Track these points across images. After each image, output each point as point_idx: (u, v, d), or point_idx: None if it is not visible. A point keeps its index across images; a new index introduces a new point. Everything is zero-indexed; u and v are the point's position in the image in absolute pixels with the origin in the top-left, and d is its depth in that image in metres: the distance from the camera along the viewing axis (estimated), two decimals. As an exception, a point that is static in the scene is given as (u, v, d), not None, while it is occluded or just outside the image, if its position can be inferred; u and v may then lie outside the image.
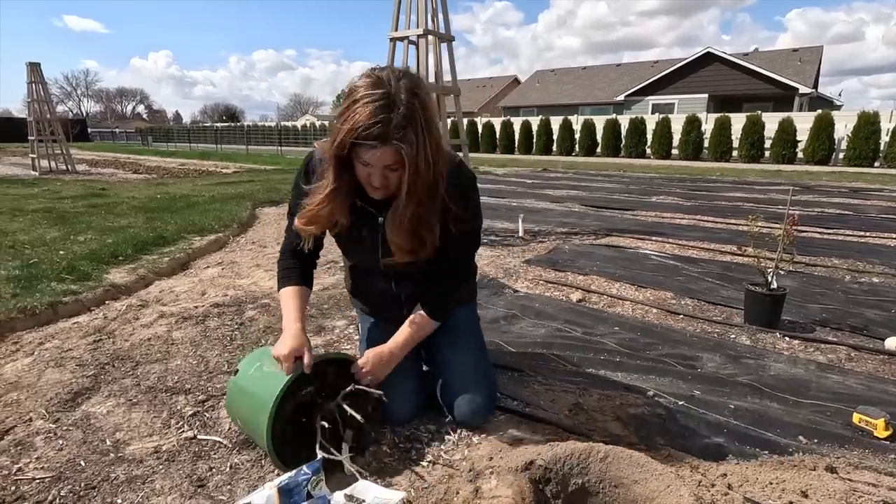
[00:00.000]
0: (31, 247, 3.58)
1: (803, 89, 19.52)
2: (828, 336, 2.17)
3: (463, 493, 1.18)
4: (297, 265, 1.46)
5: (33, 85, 10.63)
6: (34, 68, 10.50)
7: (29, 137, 11.11)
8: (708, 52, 21.80)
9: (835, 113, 13.46)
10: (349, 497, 1.06)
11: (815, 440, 1.43)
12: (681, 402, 1.62)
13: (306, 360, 1.23)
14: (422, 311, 1.41)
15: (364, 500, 1.05)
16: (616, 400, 1.64)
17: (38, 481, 1.25)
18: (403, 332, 1.40)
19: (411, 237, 1.26)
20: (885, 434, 1.42)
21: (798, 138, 13.37)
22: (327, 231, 1.39)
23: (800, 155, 13.54)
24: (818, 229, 4.57)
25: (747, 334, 2.20)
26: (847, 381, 1.77)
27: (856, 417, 1.50)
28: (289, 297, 1.40)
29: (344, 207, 1.28)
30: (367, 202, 1.32)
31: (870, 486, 1.22)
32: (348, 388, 1.28)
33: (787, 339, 2.14)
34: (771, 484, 1.22)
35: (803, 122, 13.38)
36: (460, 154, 1.41)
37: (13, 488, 1.23)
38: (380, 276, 1.49)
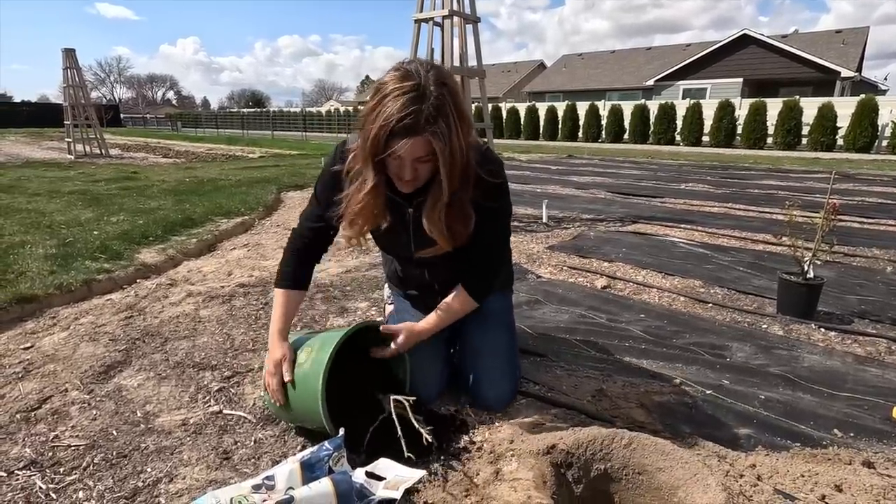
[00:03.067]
0: (67, 227, 3.71)
1: (846, 73, 18.58)
2: (867, 328, 2.08)
3: (483, 475, 1.17)
4: (295, 265, 1.45)
5: (68, 71, 10.94)
6: (69, 54, 10.79)
7: (65, 122, 11.47)
8: (744, 35, 20.92)
9: (879, 98, 12.79)
10: (370, 474, 1.06)
11: (852, 434, 1.37)
12: (708, 392, 1.58)
13: (286, 376, 1.26)
14: (459, 293, 1.40)
15: (385, 478, 1.06)
16: (641, 387, 1.60)
17: (73, 448, 1.30)
18: (438, 312, 1.40)
19: (448, 226, 1.25)
20: (928, 430, 1.36)
21: (838, 125, 12.77)
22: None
23: (839, 142, 12.95)
24: (858, 219, 4.37)
25: (780, 324, 2.12)
26: (887, 374, 1.69)
27: (895, 412, 1.43)
28: (278, 298, 1.43)
29: (384, 203, 1.28)
30: (396, 194, 1.31)
31: (910, 483, 1.17)
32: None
33: (822, 330, 2.06)
34: (803, 476, 1.18)
35: (844, 108, 12.75)
36: (485, 139, 1.39)
37: (50, 454, 1.28)
38: (413, 265, 1.50)
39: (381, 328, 1.34)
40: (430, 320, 1.39)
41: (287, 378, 1.26)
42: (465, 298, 1.40)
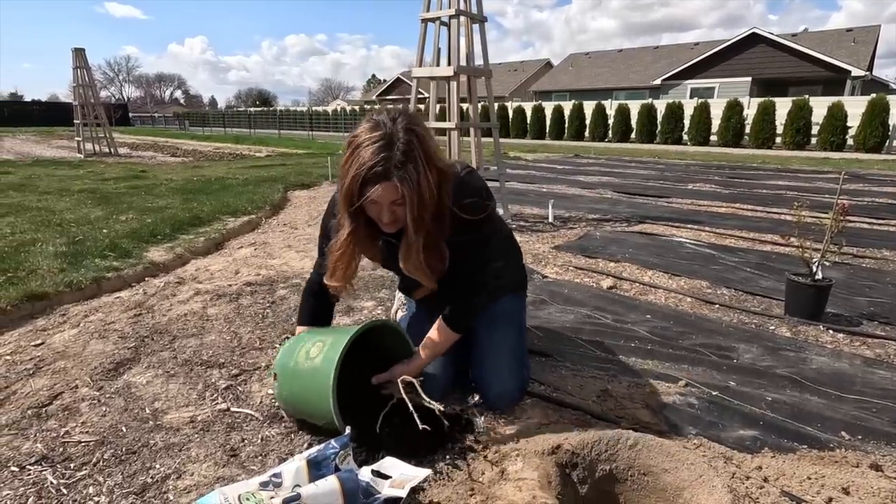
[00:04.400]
0: (76, 225, 3.75)
1: (856, 72, 18.38)
2: (876, 330, 2.06)
3: (488, 475, 1.18)
4: (315, 307, 1.56)
5: (78, 70, 11.04)
6: (79, 53, 10.89)
7: (74, 121, 11.57)
8: (753, 33, 20.73)
9: (890, 97, 12.62)
10: (376, 472, 1.07)
11: (860, 437, 1.36)
12: (714, 393, 1.58)
13: None
14: (440, 326, 1.43)
15: (390, 476, 1.06)
16: (646, 388, 1.60)
17: (83, 444, 1.32)
18: (424, 350, 1.43)
19: (423, 266, 1.30)
20: (937, 433, 1.35)
21: (848, 124, 12.63)
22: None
23: (850, 142, 12.81)
24: (868, 219, 4.33)
25: (787, 326, 2.11)
26: (895, 377, 1.68)
27: (905, 415, 1.42)
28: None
29: (368, 246, 1.36)
30: (386, 236, 1.36)
31: (918, 487, 1.16)
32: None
33: (830, 332, 2.05)
34: (809, 479, 1.17)
35: (855, 107, 12.61)
36: (467, 169, 1.40)
37: (61, 450, 1.29)
38: (417, 284, 1.50)
39: (373, 379, 1.38)
40: (415, 361, 1.42)
41: None
42: (445, 331, 1.43)
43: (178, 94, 75.95)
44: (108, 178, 6.89)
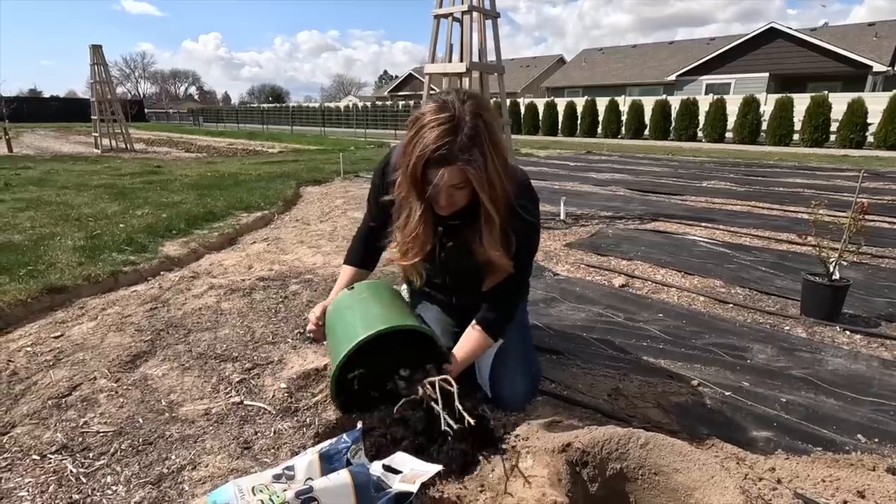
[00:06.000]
0: (94, 219, 3.82)
1: (878, 67, 17.95)
2: (894, 332, 2.02)
3: (498, 471, 1.18)
4: (362, 247, 1.59)
5: (96, 66, 11.20)
6: (96, 50, 11.05)
7: (92, 117, 11.76)
8: (771, 28, 20.34)
9: (913, 93, 12.32)
10: (387, 467, 1.08)
11: (876, 440, 1.34)
12: (727, 393, 1.56)
13: (311, 325, 1.46)
14: (476, 332, 1.39)
15: (401, 471, 1.07)
16: (658, 387, 1.59)
17: (101, 434, 1.35)
18: (461, 355, 1.37)
19: (500, 248, 1.28)
20: (957, 438, 1.32)
21: (869, 121, 12.35)
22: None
23: (870, 139, 12.53)
24: (888, 219, 4.24)
25: (803, 326, 2.08)
26: (915, 379, 1.65)
27: (923, 418, 1.40)
28: (341, 274, 1.60)
29: (433, 230, 1.34)
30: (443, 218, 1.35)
31: (936, 491, 1.14)
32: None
33: (847, 333, 2.01)
34: (824, 481, 1.16)
35: (876, 104, 12.32)
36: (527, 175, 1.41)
37: (80, 439, 1.33)
38: (432, 270, 1.51)
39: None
40: (451, 366, 1.34)
41: (309, 327, 1.49)
42: (483, 336, 1.38)
43: (193, 90, 76.75)
44: (124, 173, 7.00)
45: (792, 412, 1.47)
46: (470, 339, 1.39)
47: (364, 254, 1.59)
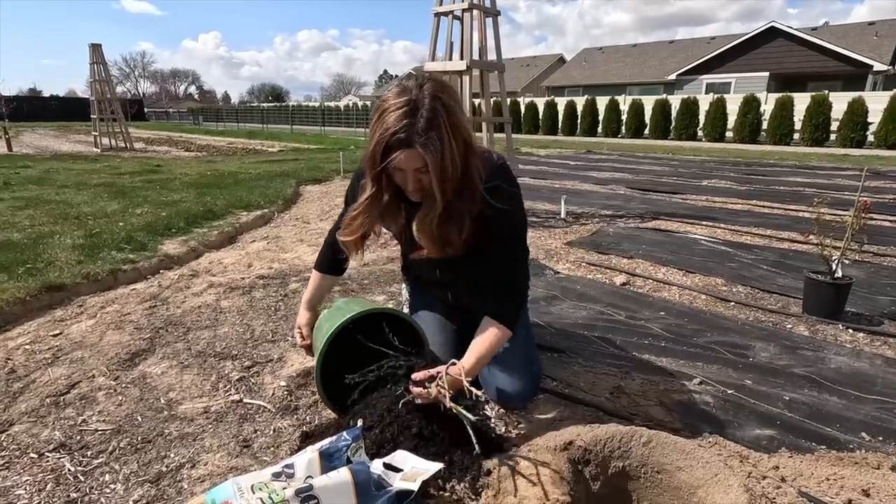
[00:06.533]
0: (93, 218, 3.81)
1: (878, 66, 17.94)
2: (897, 330, 2.02)
3: (500, 470, 1.17)
4: (331, 253, 1.54)
5: (95, 65, 11.19)
6: (96, 49, 11.03)
7: (91, 116, 11.75)
8: (771, 27, 20.32)
9: (914, 92, 12.31)
10: (388, 465, 1.07)
11: (880, 438, 1.33)
12: (730, 391, 1.55)
13: (298, 340, 1.48)
14: (488, 326, 1.32)
15: (402, 469, 1.06)
16: (660, 385, 1.58)
17: (100, 432, 1.34)
18: (476, 356, 1.28)
19: (440, 235, 1.28)
20: (962, 436, 1.31)
21: (869, 120, 12.34)
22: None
23: (870, 138, 12.52)
24: (890, 217, 4.23)
25: (806, 325, 2.07)
26: (918, 378, 1.64)
27: (928, 416, 1.39)
28: (312, 277, 1.58)
29: (391, 215, 1.33)
30: (406, 201, 1.34)
31: (942, 490, 1.13)
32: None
33: (850, 331, 2.00)
34: (828, 479, 1.15)
35: (876, 103, 12.31)
36: (505, 156, 1.40)
37: (78, 437, 1.32)
38: (425, 263, 1.50)
39: (413, 376, 1.23)
40: (466, 364, 1.25)
41: (300, 342, 1.49)
42: (498, 329, 1.31)
43: (193, 89, 76.68)
44: (124, 172, 6.98)
45: (795, 410, 1.46)
46: (481, 335, 1.31)
47: (330, 257, 1.55)
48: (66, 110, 36.77)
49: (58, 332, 1.97)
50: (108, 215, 3.91)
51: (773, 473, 1.17)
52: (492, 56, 3.89)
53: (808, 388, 1.58)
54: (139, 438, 1.31)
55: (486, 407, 1.45)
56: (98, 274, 2.50)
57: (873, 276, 2.68)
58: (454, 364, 1.20)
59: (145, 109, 42.77)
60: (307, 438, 1.31)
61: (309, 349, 1.47)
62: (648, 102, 16.52)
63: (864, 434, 1.35)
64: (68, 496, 1.12)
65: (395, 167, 1.18)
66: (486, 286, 1.38)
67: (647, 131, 16.57)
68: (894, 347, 1.88)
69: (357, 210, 1.30)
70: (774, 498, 1.08)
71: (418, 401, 1.20)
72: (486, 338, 1.29)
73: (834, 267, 2.08)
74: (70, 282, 2.38)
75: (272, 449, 1.28)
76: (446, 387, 1.15)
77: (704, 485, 1.10)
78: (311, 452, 1.05)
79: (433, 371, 1.19)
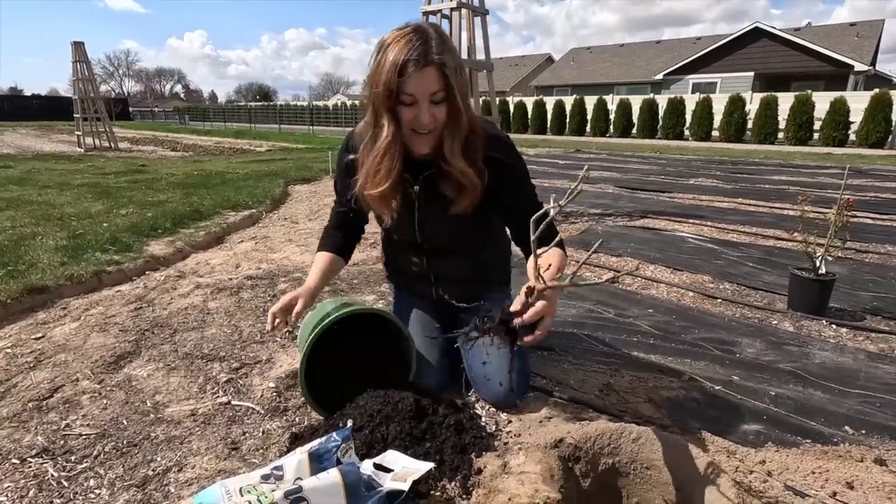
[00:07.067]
0: (77, 219, 3.74)
1: (859, 66, 18.29)
2: (879, 325, 2.05)
3: (491, 468, 1.17)
4: (338, 235, 1.54)
5: (78, 64, 11.00)
6: (78, 47, 10.84)
7: (74, 115, 11.55)
8: (756, 28, 20.63)
9: (894, 92, 12.56)
10: (378, 465, 1.06)
11: (864, 431, 1.36)
12: (717, 387, 1.57)
13: (298, 307, 1.33)
14: (548, 250, 1.23)
15: (393, 469, 1.06)
16: (649, 382, 1.59)
17: (84, 437, 1.31)
18: (552, 262, 1.21)
19: (467, 165, 1.24)
20: (942, 428, 1.34)
21: (851, 119, 12.59)
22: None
23: (852, 137, 12.76)
24: (871, 214, 4.31)
25: (791, 321, 2.10)
26: (900, 371, 1.67)
27: (909, 409, 1.41)
28: (316, 261, 1.49)
29: (401, 156, 1.24)
30: (406, 169, 1.31)
31: (923, 481, 1.15)
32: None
33: (834, 326, 2.04)
34: (813, 473, 1.17)
35: (858, 102, 12.55)
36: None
37: (62, 442, 1.29)
38: (413, 252, 1.51)
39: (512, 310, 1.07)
40: (549, 272, 1.10)
41: (286, 318, 1.34)
42: (558, 251, 1.25)
43: (178, 88, 75.76)
44: (108, 172, 6.87)
45: (781, 405, 1.48)
46: (548, 253, 1.21)
47: (340, 241, 1.52)
48: (49, 109, 36.11)
49: (40, 335, 1.93)
50: (92, 216, 3.85)
51: (760, 468, 1.18)
52: (480, 55, 3.89)
53: (794, 383, 1.60)
54: (125, 442, 1.29)
55: (477, 406, 1.45)
56: (82, 276, 2.46)
57: (856, 273, 2.73)
58: (536, 260, 1.05)
59: (130, 108, 42.18)
60: (296, 440, 1.30)
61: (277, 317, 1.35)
62: (636, 102, 16.67)
63: (847, 428, 1.37)
64: (51, 502, 1.09)
65: (410, 94, 1.11)
66: (521, 228, 1.32)
67: (634, 130, 16.72)
68: (876, 342, 1.91)
69: (383, 151, 1.19)
70: (762, 492, 1.10)
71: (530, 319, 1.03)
72: (555, 255, 1.23)
73: (818, 264, 2.11)
74: (53, 284, 2.34)
75: (261, 451, 1.27)
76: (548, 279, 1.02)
77: (693, 480, 1.11)
78: (301, 454, 1.04)
79: (525, 289, 1.05)
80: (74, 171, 6.93)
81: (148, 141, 14.84)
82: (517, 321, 1.03)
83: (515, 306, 1.05)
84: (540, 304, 1.03)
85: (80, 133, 11.54)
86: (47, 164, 8.13)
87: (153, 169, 7.32)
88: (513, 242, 1.51)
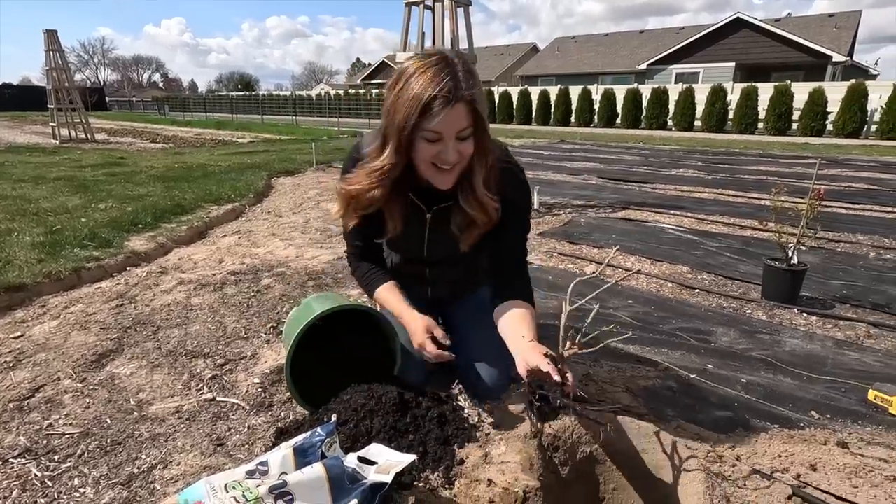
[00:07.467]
0: (53, 214, 3.67)
1: (837, 57, 18.61)
2: (847, 313, 2.13)
3: (472, 458, 1.20)
4: (375, 267, 1.43)
5: (51, 53, 10.66)
6: (51, 35, 10.50)
7: (48, 106, 11.22)
8: (737, 18, 20.83)
9: (869, 83, 12.85)
10: (362, 459, 1.09)
11: (828, 415, 1.42)
12: (692, 376, 1.62)
13: (436, 332, 1.25)
14: (515, 309, 1.27)
15: (376, 462, 1.08)
16: (627, 372, 1.64)
17: (67, 436, 1.31)
18: (532, 331, 1.25)
19: (484, 205, 1.19)
20: (901, 411, 1.41)
21: (829, 110, 12.85)
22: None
23: (829, 127, 13.03)
24: (844, 204, 4.43)
25: (764, 310, 2.17)
26: (864, 357, 1.75)
27: (871, 394, 1.48)
28: (388, 294, 1.37)
29: (395, 203, 1.22)
30: (418, 196, 1.28)
31: (881, 462, 1.21)
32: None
33: (804, 315, 2.11)
34: (780, 456, 1.22)
35: (835, 93, 12.81)
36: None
37: (44, 442, 1.29)
38: (416, 264, 1.48)
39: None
40: (529, 340, 1.20)
41: (444, 341, 1.25)
42: (530, 310, 1.26)
43: (157, 77, 73.93)
44: (85, 165, 6.72)
45: (752, 392, 1.54)
46: (523, 317, 1.25)
47: (383, 268, 1.43)
48: (21, 99, 35.02)
49: (19, 333, 1.90)
50: (70, 211, 3.77)
51: (730, 453, 1.23)
52: (464, 45, 3.88)
53: (765, 371, 1.66)
54: (109, 441, 1.29)
55: (460, 398, 1.48)
56: (60, 273, 2.43)
57: (827, 262, 2.81)
58: (533, 342, 1.16)
59: (107, 98, 41.08)
60: (282, 435, 1.31)
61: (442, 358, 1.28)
62: (620, 92, 16.77)
63: (813, 412, 1.43)
64: (35, 502, 1.10)
65: (436, 132, 1.04)
66: (501, 267, 1.33)
67: (618, 121, 16.84)
68: (844, 329, 1.99)
69: (369, 180, 1.15)
70: (730, 475, 1.15)
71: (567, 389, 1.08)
72: (528, 318, 1.25)
73: (790, 254, 2.18)
74: (31, 281, 2.30)
75: (247, 446, 1.28)
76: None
77: (666, 466, 1.15)
78: (285, 449, 1.05)
79: (541, 367, 1.10)
80: (50, 164, 6.76)
81: (126, 132, 14.50)
82: (566, 390, 1.09)
83: (556, 376, 1.07)
84: (570, 374, 1.09)
85: (54, 124, 11.22)
86: (21, 156, 7.91)
87: (132, 161, 7.17)
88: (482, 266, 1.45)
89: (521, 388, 1.15)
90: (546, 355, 1.10)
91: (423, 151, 1.09)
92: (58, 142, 10.89)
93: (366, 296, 1.50)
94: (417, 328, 1.27)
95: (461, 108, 1.02)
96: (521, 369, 1.13)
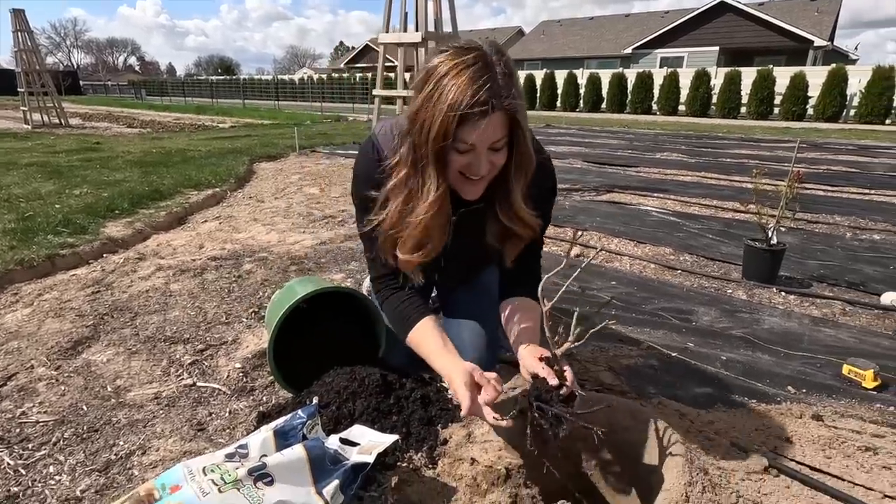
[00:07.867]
0: (26, 200, 3.55)
1: (818, 42, 18.79)
2: (824, 291, 2.18)
3: (456, 438, 1.20)
4: (408, 295, 1.23)
5: (19, 34, 10.24)
6: (18, 15, 10.09)
7: (19, 90, 10.83)
8: (721, 2, 20.84)
9: (849, 67, 13.01)
10: (344, 440, 1.08)
11: (804, 390, 1.45)
12: (674, 354, 1.64)
13: (492, 381, 1.06)
14: (526, 306, 1.24)
15: (359, 443, 1.08)
16: (610, 351, 1.65)
17: (41, 424, 1.28)
18: (530, 327, 1.20)
19: (525, 220, 1.10)
20: (873, 385, 1.45)
21: (810, 94, 13.00)
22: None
23: (810, 112, 13.20)
24: (823, 186, 4.51)
25: (744, 289, 2.20)
26: (840, 334, 1.79)
27: (845, 369, 1.52)
28: (426, 335, 1.18)
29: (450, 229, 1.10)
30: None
31: (853, 433, 1.25)
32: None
33: (783, 293, 2.15)
34: (757, 430, 1.25)
35: (816, 77, 12.96)
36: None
37: (18, 430, 1.26)
38: (431, 263, 1.31)
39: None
40: (532, 343, 1.16)
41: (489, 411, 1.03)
42: (534, 304, 1.21)
43: (133, 60, 71.76)
44: (59, 150, 6.52)
45: (731, 369, 1.56)
46: (526, 316, 1.21)
47: (415, 295, 1.24)
48: (-10, 83, 33.70)
49: (-10, 322, 1.85)
50: (43, 197, 3.66)
51: (709, 427, 1.26)
52: (447, 28, 3.82)
53: (744, 348, 1.69)
54: (85, 428, 1.27)
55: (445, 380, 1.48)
56: (33, 260, 2.36)
57: (806, 242, 2.86)
58: (532, 347, 1.13)
59: (81, 82, 39.80)
60: (264, 419, 1.30)
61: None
62: (605, 76, 16.74)
63: (790, 387, 1.46)
64: (8, 490, 1.07)
65: (464, 147, 0.93)
66: (519, 266, 1.26)
67: (604, 105, 16.84)
68: (820, 307, 2.03)
69: (428, 213, 1.00)
70: (709, 450, 1.17)
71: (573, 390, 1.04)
72: (535, 318, 1.21)
73: (770, 234, 2.20)
74: (2, 269, 2.23)
75: (228, 431, 1.27)
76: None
77: (646, 441, 1.17)
78: (266, 432, 1.04)
79: (542, 371, 1.04)
80: (22, 150, 6.54)
81: (102, 117, 14.08)
82: (564, 392, 1.05)
83: (552, 380, 1.02)
84: (568, 370, 1.04)
85: (25, 108, 10.85)
86: (-9, 142, 7.64)
87: (108, 147, 6.97)
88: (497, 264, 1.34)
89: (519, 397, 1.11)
90: (541, 359, 1.06)
91: (452, 162, 0.98)
92: (30, 127, 10.54)
93: (348, 281, 1.46)
94: (461, 382, 1.05)
95: (498, 119, 0.91)
96: (525, 376, 1.10)
